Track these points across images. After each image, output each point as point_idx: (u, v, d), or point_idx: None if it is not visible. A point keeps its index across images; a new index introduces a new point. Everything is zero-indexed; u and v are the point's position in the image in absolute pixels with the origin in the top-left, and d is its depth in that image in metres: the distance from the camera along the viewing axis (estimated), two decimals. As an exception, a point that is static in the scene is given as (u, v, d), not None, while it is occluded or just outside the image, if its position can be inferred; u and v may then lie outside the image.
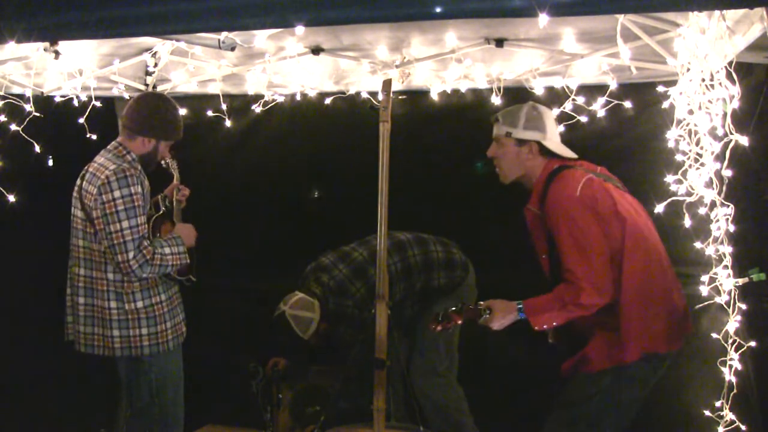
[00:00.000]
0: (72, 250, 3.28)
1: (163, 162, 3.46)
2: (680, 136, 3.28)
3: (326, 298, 3.70)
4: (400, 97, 4.32)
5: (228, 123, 4.44)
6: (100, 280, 3.19)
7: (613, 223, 2.79)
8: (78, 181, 3.24)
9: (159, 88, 4.29)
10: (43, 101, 3.95)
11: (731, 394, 3.29)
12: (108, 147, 3.26)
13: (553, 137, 3.00)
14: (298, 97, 4.44)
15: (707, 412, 3.47)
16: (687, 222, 3.24)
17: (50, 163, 3.98)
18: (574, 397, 2.88)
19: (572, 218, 2.76)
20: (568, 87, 3.92)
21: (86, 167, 3.24)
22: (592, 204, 2.77)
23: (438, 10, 2.25)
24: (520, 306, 2.79)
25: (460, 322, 2.82)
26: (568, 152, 3.01)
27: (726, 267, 3.27)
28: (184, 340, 3.37)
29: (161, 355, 3.22)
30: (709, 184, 3.14)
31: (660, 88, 3.78)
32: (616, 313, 2.77)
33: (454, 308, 2.80)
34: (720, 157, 2.96)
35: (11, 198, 3.56)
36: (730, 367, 3.28)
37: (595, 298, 2.70)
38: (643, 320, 2.77)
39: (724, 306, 3.28)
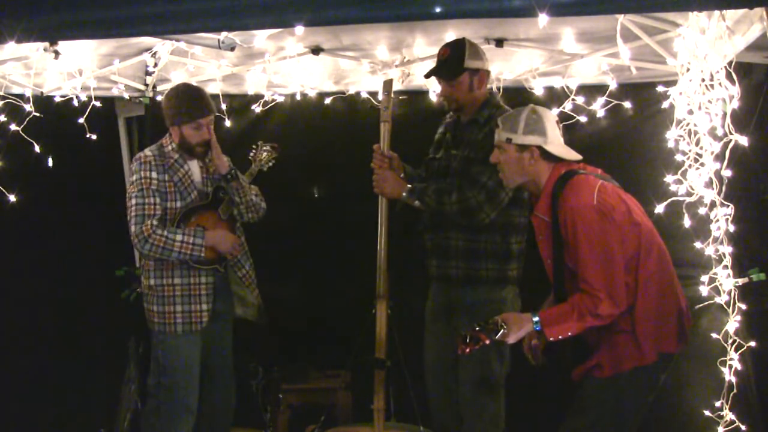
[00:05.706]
0: None
1: (252, 151, 3.74)
2: (680, 136, 3.28)
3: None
4: (400, 97, 4.32)
5: (228, 123, 4.44)
6: None
7: (629, 229, 2.77)
8: None
9: (159, 88, 4.28)
10: (43, 101, 3.94)
11: (731, 394, 3.29)
12: None
13: (555, 140, 2.96)
14: (298, 97, 4.44)
15: (707, 412, 3.47)
16: (687, 222, 3.25)
17: (50, 163, 3.98)
18: (587, 402, 2.85)
19: (590, 228, 2.73)
20: (567, 87, 3.92)
21: None
22: (609, 212, 2.75)
23: (438, 10, 2.25)
24: (536, 319, 2.76)
25: (488, 341, 2.75)
26: (572, 154, 2.97)
27: (726, 267, 3.27)
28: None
29: (168, 335, 3.31)
30: (709, 184, 3.15)
31: (660, 88, 3.78)
32: (629, 316, 2.76)
33: (478, 327, 2.75)
34: (720, 157, 2.97)
35: (11, 198, 3.55)
36: (730, 367, 3.28)
37: (612, 309, 2.70)
38: (658, 321, 2.77)
39: (724, 306, 3.28)
